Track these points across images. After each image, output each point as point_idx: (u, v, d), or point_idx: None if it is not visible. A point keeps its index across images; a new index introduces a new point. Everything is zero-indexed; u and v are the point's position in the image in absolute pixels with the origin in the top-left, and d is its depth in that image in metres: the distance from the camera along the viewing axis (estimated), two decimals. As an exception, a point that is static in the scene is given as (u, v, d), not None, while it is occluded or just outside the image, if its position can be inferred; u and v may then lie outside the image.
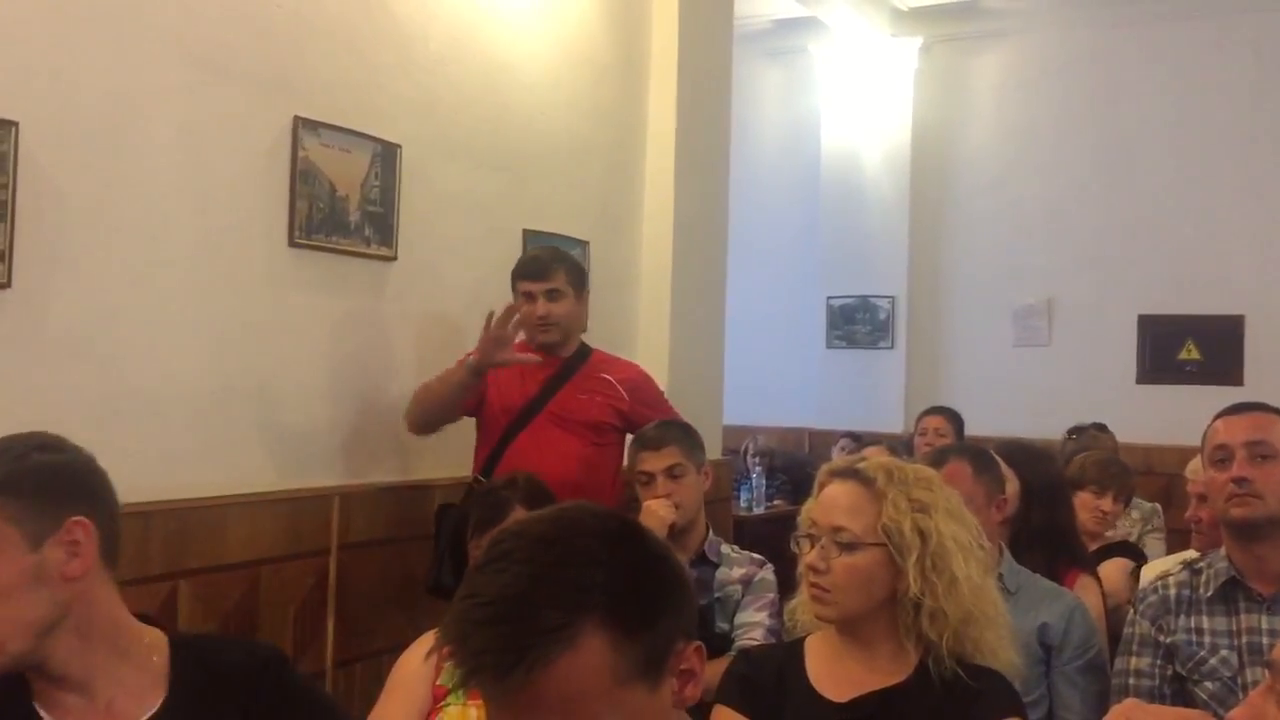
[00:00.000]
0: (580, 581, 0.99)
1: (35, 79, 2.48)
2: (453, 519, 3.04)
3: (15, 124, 2.41)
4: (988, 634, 1.82)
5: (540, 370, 3.29)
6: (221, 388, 2.92)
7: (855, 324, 7.14)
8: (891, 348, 7.05)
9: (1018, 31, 6.92)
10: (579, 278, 3.39)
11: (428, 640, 2.18)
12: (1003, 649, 1.85)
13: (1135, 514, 4.27)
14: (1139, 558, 3.55)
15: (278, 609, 3.03)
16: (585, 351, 3.40)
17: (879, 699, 1.80)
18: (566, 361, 3.34)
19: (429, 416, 3.27)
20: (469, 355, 3.15)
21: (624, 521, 1.10)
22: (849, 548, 1.80)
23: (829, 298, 7.20)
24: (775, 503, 6.09)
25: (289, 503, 3.07)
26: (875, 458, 1.94)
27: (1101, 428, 4.47)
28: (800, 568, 1.87)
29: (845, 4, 6.45)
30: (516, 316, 3.10)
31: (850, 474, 1.87)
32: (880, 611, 1.82)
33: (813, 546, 1.84)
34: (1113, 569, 3.30)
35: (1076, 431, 4.46)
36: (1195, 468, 2.89)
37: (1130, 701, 1.11)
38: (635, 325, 4.55)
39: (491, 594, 0.99)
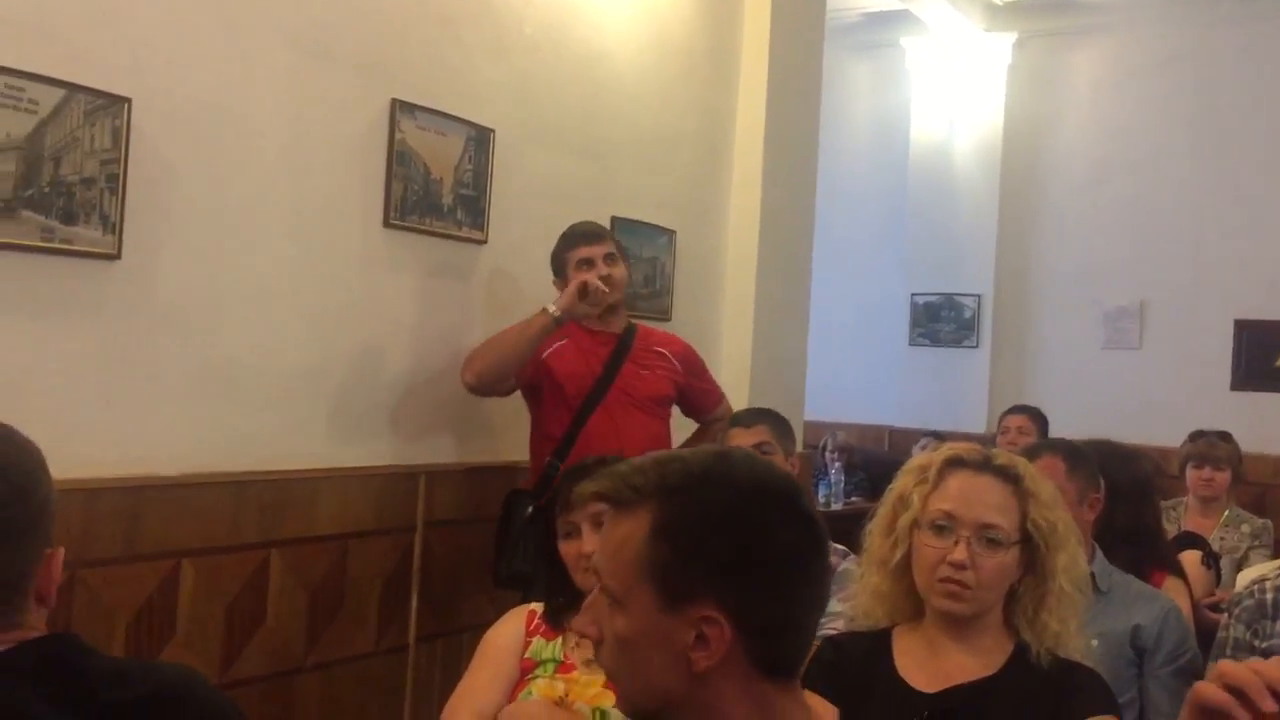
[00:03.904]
0: (661, 482, 1.13)
1: (148, 58, 2.55)
2: (524, 505, 3.08)
3: (129, 100, 2.48)
4: (1071, 622, 1.80)
5: (599, 347, 3.32)
6: (316, 364, 2.97)
7: (939, 322, 7.04)
8: (976, 346, 6.95)
9: (1114, 28, 6.76)
10: (622, 247, 3.48)
11: (518, 614, 2.21)
12: (1080, 635, 1.84)
13: (1245, 528, 4.18)
14: (1204, 546, 3.51)
15: (364, 583, 3.08)
16: (633, 327, 3.43)
17: (969, 691, 1.78)
18: (621, 338, 3.36)
19: (502, 367, 3.18)
20: (546, 309, 3.17)
21: (765, 483, 1.16)
22: (997, 545, 1.78)
23: (914, 294, 7.11)
24: (853, 499, 6.04)
25: (378, 479, 3.12)
26: (998, 451, 1.91)
27: (1224, 436, 4.37)
28: (918, 559, 1.82)
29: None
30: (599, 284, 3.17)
31: (988, 468, 1.83)
32: (997, 605, 1.81)
33: (941, 538, 1.79)
34: (1189, 562, 3.23)
35: (1198, 435, 4.37)
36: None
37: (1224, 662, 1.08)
38: (720, 316, 4.55)
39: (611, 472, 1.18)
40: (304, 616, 2.91)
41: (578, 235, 3.37)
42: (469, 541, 3.40)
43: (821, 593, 1.18)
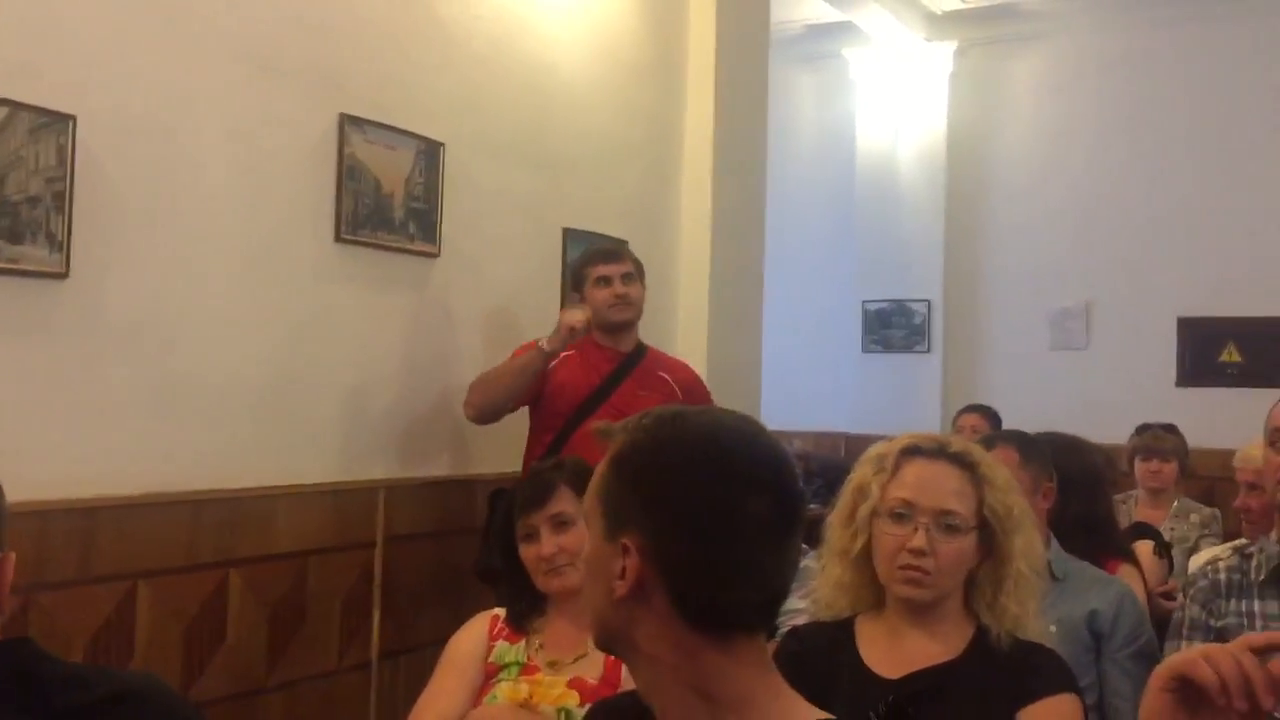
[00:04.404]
0: (638, 421, 1.18)
1: (92, 75, 2.53)
2: (506, 502, 3.07)
3: (73, 118, 2.46)
4: (1030, 604, 1.83)
5: (604, 363, 3.35)
6: (270, 380, 2.96)
7: (891, 328, 7.11)
8: (928, 351, 7.02)
9: (1052, 34, 6.89)
10: (642, 270, 3.53)
11: (481, 619, 2.21)
12: (1039, 617, 1.86)
13: (1195, 518, 4.26)
14: (1156, 536, 3.57)
15: (324, 600, 3.06)
16: (643, 348, 3.47)
17: (932, 675, 1.80)
18: (628, 356, 3.40)
19: (497, 402, 3.31)
20: (538, 341, 3.27)
21: (718, 433, 1.18)
22: (956, 530, 1.80)
23: (864, 302, 7.17)
24: (812, 506, 6.03)
25: (336, 495, 3.10)
26: (953, 439, 1.94)
27: (1170, 428, 4.45)
28: (879, 548, 1.84)
29: (880, 9, 6.45)
30: (587, 317, 3.24)
31: (944, 455, 1.85)
32: (957, 590, 1.83)
33: (900, 525, 1.81)
34: (1142, 552, 3.28)
35: (1144, 429, 4.45)
36: (1243, 456, 2.88)
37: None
38: (674, 325, 4.57)
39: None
40: (265, 635, 2.88)
41: (597, 253, 3.49)
42: (430, 556, 3.38)
43: (761, 553, 1.14)
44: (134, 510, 2.57)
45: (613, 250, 3.53)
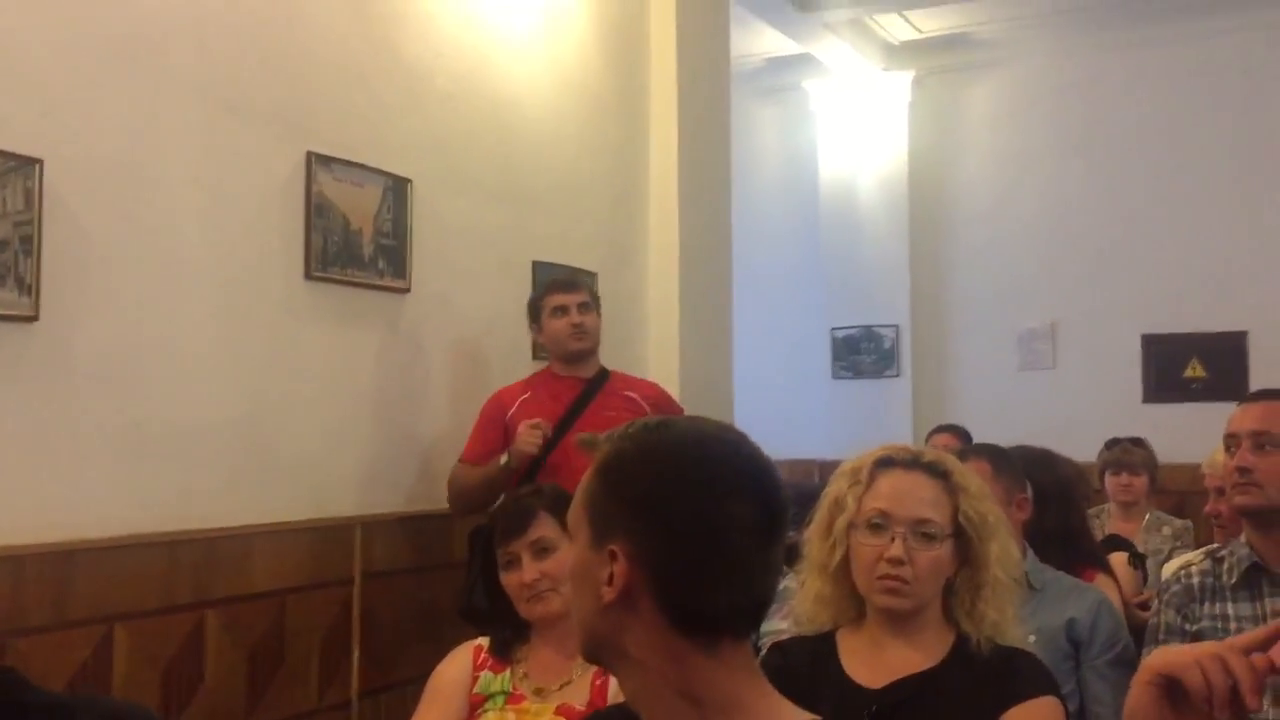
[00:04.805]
0: (624, 430, 1.19)
1: (59, 117, 2.53)
2: (485, 539, 3.07)
3: (40, 161, 2.46)
4: (1009, 610, 1.85)
5: (565, 391, 3.36)
6: (242, 418, 2.95)
7: (860, 354, 7.17)
8: (897, 376, 7.08)
9: (1007, 61, 7.02)
10: (597, 297, 3.57)
11: (464, 650, 2.20)
12: (1018, 623, 1.89)
13: (1167, 530, 4.30)
14: (1129, 548, 3.61)
15: (303, 639, 3.04)
16: (605, 373, 3.49)
17: (915, 683, 1.81)
18: (589, 382, 3.42)
19: (471, 508, 3.36)
20: (499, 460, 3.31)
21: (705, 440, 1.19)
22: (932, 539, 1.82)
23: (833, 329, 7.23)
24: (790, 534, 6.08)
25: (311, 532, 3.09)
26: (926, 449, 1.96)
27: (1138, 442, 4.51)
28: (857, 559, 1.85)
29: (838, 41, 6.55)
30: (545, 429, 3.26)
31: (917, 465, 1.87)
32: (936, 598, 1.85)
33: (877, 536, 1.83)
34: (1117, 563, 3.32)
35: (1113, 443, 4.51)
36: (1210, 463, 2.92)
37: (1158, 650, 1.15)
38: (645, 355, 4.59)
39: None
40: (243, 676, 2.86)
41: (553, 283, 3.53)
42: (409, 592, 3.37)
43: (747, 556, 1.15)
44: (109, 553, 2.55)
45: (568, 280, 3.59)
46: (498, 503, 3.15)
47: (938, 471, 1.87)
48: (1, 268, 2.40)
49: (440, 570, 3.44)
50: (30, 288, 2.45)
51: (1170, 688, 1.09)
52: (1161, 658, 1.13)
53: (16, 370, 2.44)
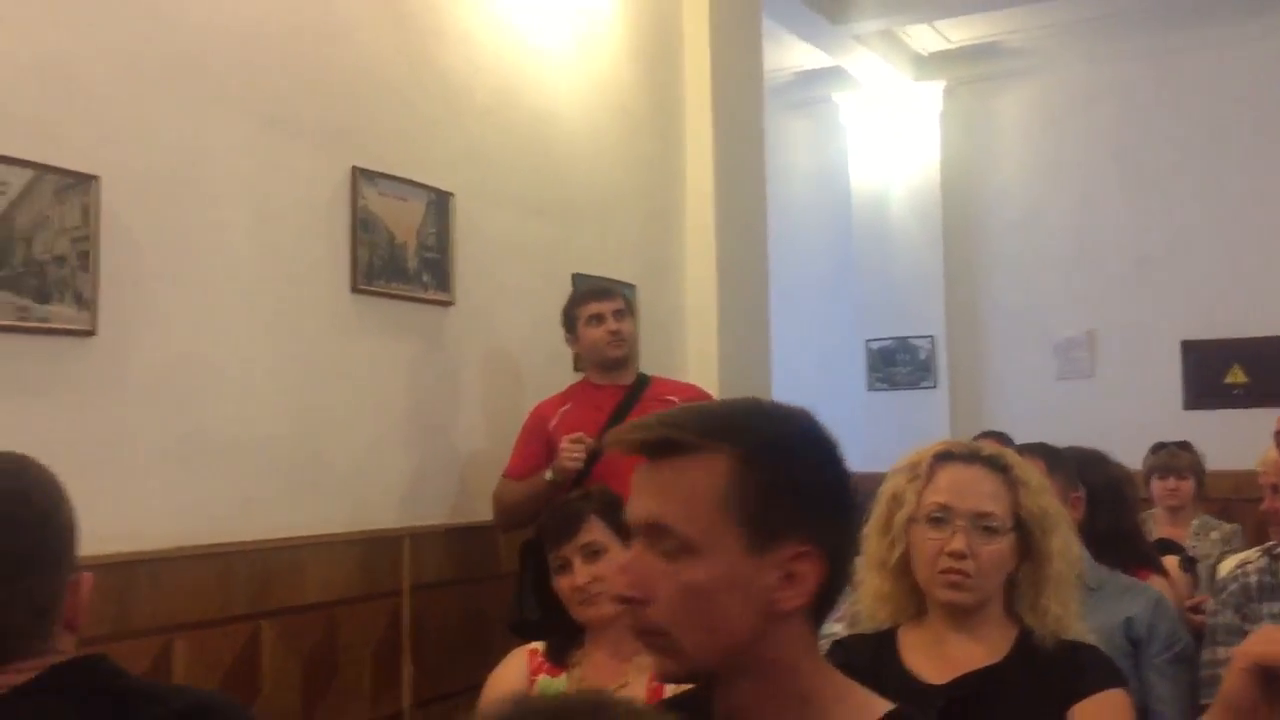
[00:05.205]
0: (729, 422, 1.09)
1: (115, 135, 2.58)
2: (536, 553, 3.08)
3: (97, 178, 2.51)
4: (1071, 605, 1.84)
5: (606, 400, 3.36)
6: (293, 430, 2.97)
7: (896, 365, 7.15)
8: (934, 387, 7.05)
9: (1038, 70, 7.01)
10: (634, 305, 3.58)
11: (519, 655, 2.21)
12: (1079, 617, 1.87)
13: (1215, 535, 4.26)
14: (1180, 551, 3.58)
15: (355, 650, 3.05)
16: (645, 378, 3.48)
17: (979, 678, 1.80)
18: (629, 389, 3.41)
19: (516, 523, 3.37)
20: (544, 475, 3.27)
21: (813, 420, 1.13)
22: (993, 532, 1.81)
23: (868, 340, 7.22)
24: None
25: (361, 543, 3.11)
26: (984, 443, 1.96)
27: (1184, 445, 4.48)
28: (918, 554, 1.84)
29: (868, 52, 6.56)
30: (587, 442, 3.21)
31: (977, 459, 1.87)
32: (998, 593, 1.84)
33: (938, 530, 1.82)
34: (1169, 566, 3.29)
35: (1159, 448, 4.48)
36: (1265, 460, 2.89)
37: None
38: (685, 367, 4.59)
39: (656, 418, 1.13)
40: (298, 687, 2.87)
41: (588, 292, 3.53)
42: (457, 603, 3.38)
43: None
44: (167, 564, 2.58)
45: (602, 288, 3.58)
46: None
47: (997, 465, 1.86)
48: (60, 283, 2.44)
49: (487, 581, 3.46)
50: (89, 302, 2.48)
51: (1266, 674, 1.10)
52: (1258, 645, 1.15)
53: (75, 384, 2.48)
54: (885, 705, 1.18)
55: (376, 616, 3.13)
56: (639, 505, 1.10)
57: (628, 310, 3.48)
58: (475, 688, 2.35)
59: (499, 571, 3.44)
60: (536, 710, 0.73)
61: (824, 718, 1.11)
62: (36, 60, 2.44)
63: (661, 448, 1.09)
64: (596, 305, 3.42)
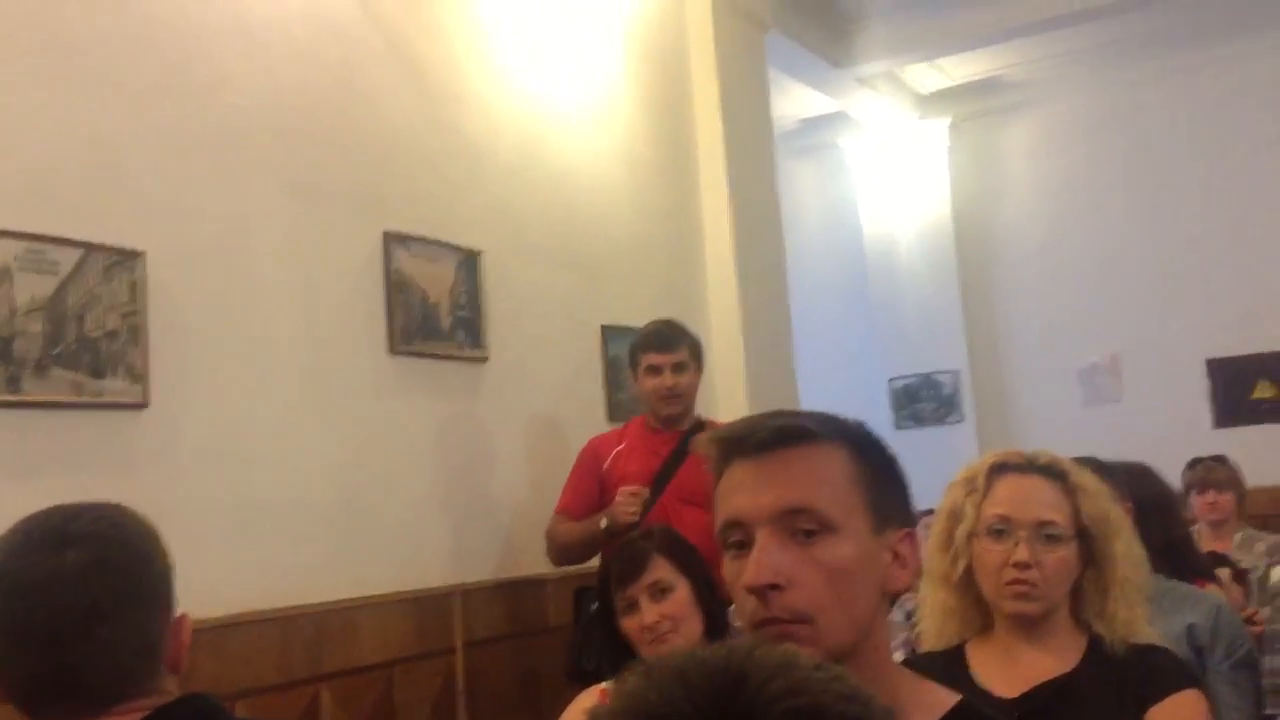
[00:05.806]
0: (835, 424, 1.16)
1: (157, 211, 2.64)
2: (591, 601, 3.08)
3: (143, 254, 2.56)
4: (1139, 608, 1.84)
5: (662, 445, 3.36)
6: (340, 494, 3.00)
7: (921, 402, 7.15)
8: (961, 421, 7.04)
9: (1041, 101, 7.09)
10: (699, 352, 3.51)
11: (590, 694, 2.21)
12: (1147, 621, 1.87)
13: (1260, 546, 4.23)
14: (1229, 563, 3.56)
15: (412, 709, 3.05)
16: (700, 424, 3.45)
17: (1052, 689, 1.80)
18: (684, 435, 3.39)
19: (571, 560, 3.39)
20: (599, 520, 3.25)
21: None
22: (1056, 540, 1.81)
23: (890, 379, 7.23)
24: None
25: (413, 602, 3.12)
26: (1039, 452, 1.96)
27: (1220, 459, 4.46)
28: (981, 566, 1.84)
29: (871, 94, 6.65)
30: (643, 495, 3.21)
31: (1033, 468, 1.87)
32: (1064, 601, 1.84)
33: (1000, 542, 1.82)
34: (1223, 577, 3.27)
35: (1195, 463, 4.47)
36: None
37: None
38: (714, 411, 4.60)
39: (769, 418, 1.17)
40: (359, 749, 2.87)
41: (649, 340, 3.45)
42: (510, 658, 3.38)
43: None
44: (226, 631, 2.60)
45: (667, 337, 3.45)
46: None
47: (1054, 473, 1.87)
48: (112, 358, 2.48)
49: (538, 636, 3.46)
50: (140, 375, 2.53)
51: None
52: None
53: (131, 455, 2.52)
54: (955, 696, 1.20)
55: (431, 675, 3.14)
56: (768, 495, 1.11)
57: (689, 362, 3.41)
58: (532, 743, 2.37)
59: (548, 625, 3.45)
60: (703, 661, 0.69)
61: (906, 701, 1.14)
62: (80, 142, 2.51)
63: (792, 436, 1.12)
64: (655, 357, 3.38)
